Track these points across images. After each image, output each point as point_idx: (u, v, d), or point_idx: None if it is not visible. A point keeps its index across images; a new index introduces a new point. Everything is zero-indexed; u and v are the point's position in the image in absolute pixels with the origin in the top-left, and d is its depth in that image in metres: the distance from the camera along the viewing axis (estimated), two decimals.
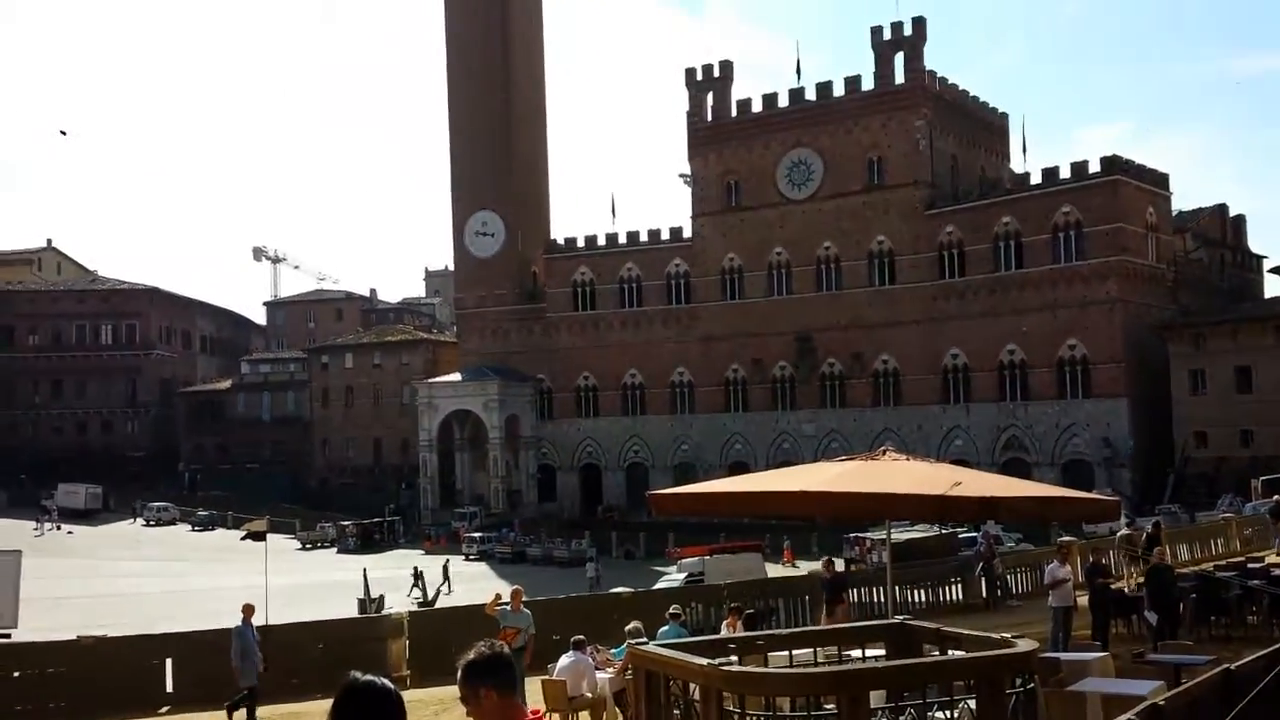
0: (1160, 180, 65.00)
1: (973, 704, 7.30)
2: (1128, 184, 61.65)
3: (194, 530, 79.61)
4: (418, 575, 46.00)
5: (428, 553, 65.03)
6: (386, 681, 3.56)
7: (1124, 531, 25.27)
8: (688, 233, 75.22)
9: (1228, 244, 77.02)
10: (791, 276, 70.83)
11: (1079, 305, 61.04)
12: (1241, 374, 58.91)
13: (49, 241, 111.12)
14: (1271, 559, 23.86)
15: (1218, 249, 75.32)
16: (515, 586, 16.23)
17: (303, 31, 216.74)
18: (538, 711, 4.08)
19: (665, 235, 76.20)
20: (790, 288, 70.90)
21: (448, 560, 54.22)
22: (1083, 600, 17.29)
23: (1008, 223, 63.68)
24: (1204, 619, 17.13)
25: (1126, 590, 19.08)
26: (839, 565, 26.97)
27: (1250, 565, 20.06)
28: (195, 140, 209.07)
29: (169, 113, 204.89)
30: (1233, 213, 79.96)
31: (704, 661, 7.52)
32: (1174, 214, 69.04)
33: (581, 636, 14.19)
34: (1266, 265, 75.80)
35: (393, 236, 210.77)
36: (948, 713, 7.38)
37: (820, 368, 69.57)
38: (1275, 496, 31.94)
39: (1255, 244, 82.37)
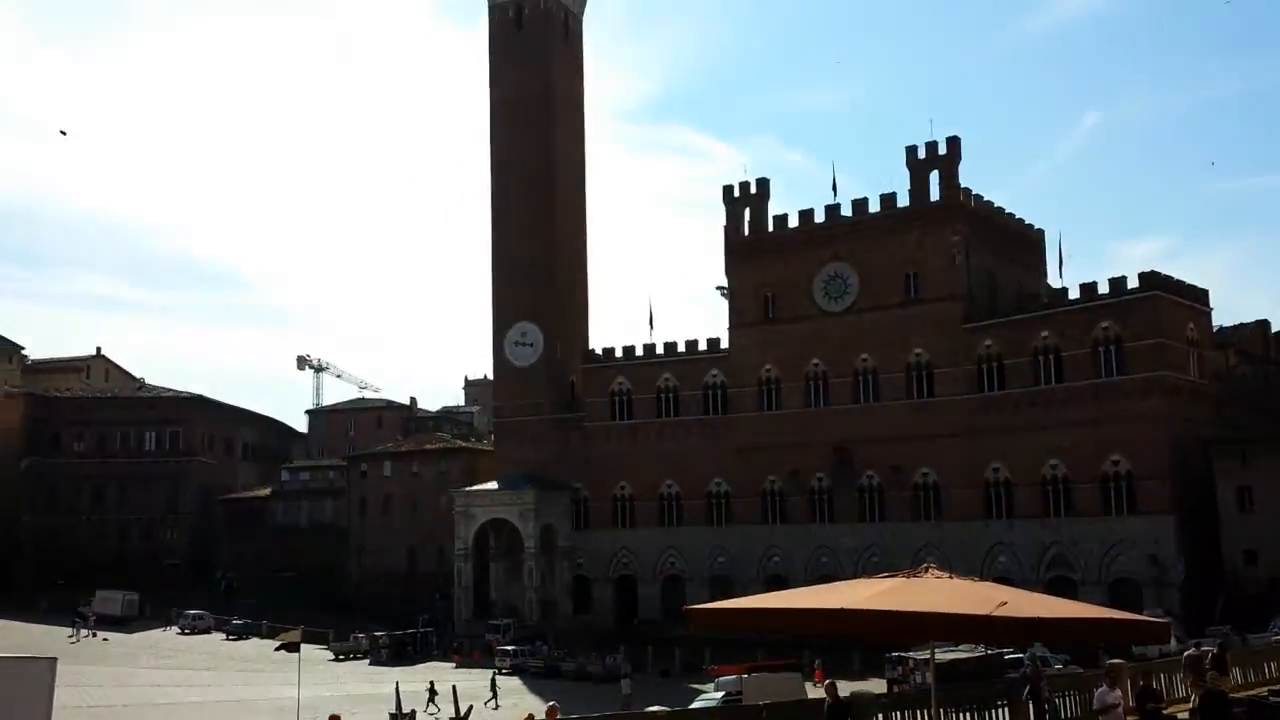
0: (1200, 296, 64.82)
1: None
2: (1167, 299, 61.49)
3: (228, 639, 79.13)
4: (432, 692, 45.61)
5: (458, 666, 64.20)
6: None
7: (1190, 652, 24.63)
8: (725, 344, 75.63)
9: (1271, 359, 76.24)
10: (829, 388, 70.79)
11: (1121, 420, 60.32)
12: None
13: (98, 350, 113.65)
14: None
15: (1261, 364, 74.57)
16: (550, 703, 16.05)
17: (352, 146, 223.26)
18: None
19: (703, 346, 76.64)
20: (828, 399, 70.81)
21: (494, 674, 53.71)
22: None
23: (1046, 337, 63.53)
24: None
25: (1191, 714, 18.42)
26: (872, 686, 26.35)
27: None
28: (243, 251, 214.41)
29: (218, 225, 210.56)
30: (1275, 328, 79.28)
31: None
32: (1215, 329, 68.64)
33: None
34: None
35: (434, 346, 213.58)
36: None
37: (859, 480, 68.97)
38: None
39: None
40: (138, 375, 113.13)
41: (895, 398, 68.35)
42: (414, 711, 38.83)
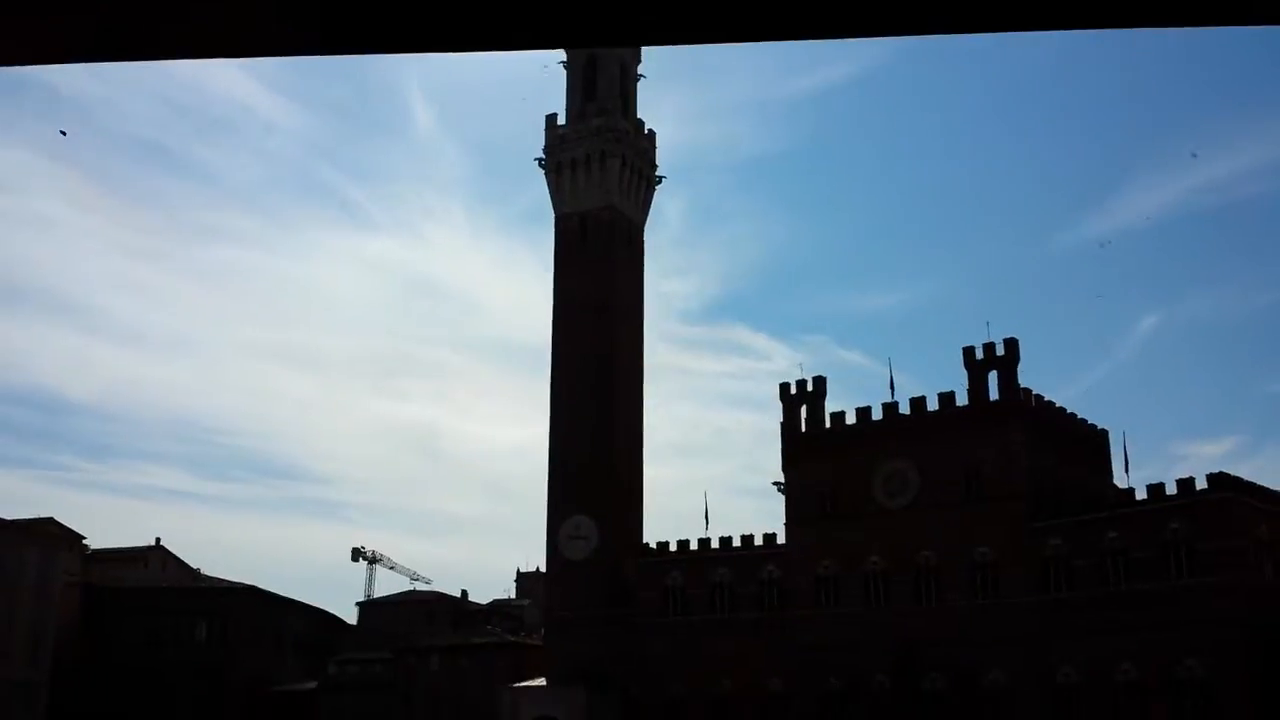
0: (1271, 496, 63.52)
1: None
2: (1237, 500, 60.32)
3: None
4: None
5: None
6: None
7: None
8: (781, 539, 74.77)
9: None
10: (890, 585, 69.34)
11: (1194, 624, 58.27)
12: None
13: (157, 540, 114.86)
14: None
15: None
16: None
17: (414, 344, 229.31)
18: None
19: (759, 541, 75.80)
20: (888, 597, 69.26)
21: None
22: None
23: (1114, 538, 62.21)
24: None
25: None
26: None
27: None
28: (303, 446, 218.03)
29: (283, 424, 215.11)
30: None
31: None
32: None
33: None
34: None
35: (487, 538, 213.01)
36: None
37: (922, 683, 66.55)
38: None
39: None
40: (194, 565, 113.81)
41: (958, 597, 66.73)
42: None
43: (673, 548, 78.95)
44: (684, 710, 75.07)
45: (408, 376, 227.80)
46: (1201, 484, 60.87)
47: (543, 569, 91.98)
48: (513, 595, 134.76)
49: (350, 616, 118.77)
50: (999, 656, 64.16)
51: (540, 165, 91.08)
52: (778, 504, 77.38)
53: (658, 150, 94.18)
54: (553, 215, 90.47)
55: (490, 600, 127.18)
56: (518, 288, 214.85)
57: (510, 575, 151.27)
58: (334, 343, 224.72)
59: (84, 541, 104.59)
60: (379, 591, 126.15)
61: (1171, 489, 61.78)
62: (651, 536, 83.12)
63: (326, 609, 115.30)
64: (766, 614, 73.64)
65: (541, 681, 78.93)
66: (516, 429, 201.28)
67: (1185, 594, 59.28)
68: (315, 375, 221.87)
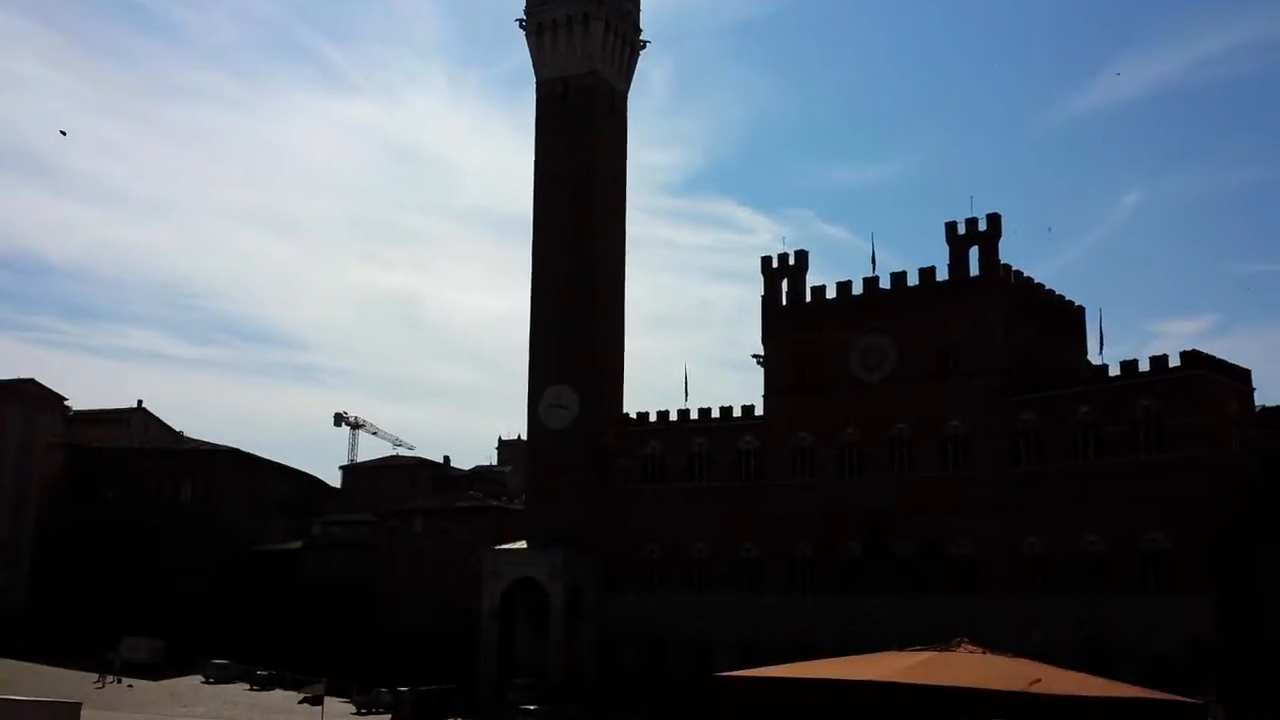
0: (1242, 375, 64.18)
1: None
2: (1209, 378, 60.92)
3: (252, 689, 79.01)
4: None
5: None
6: None
7: None
8: (760, 411, 75.53)
9: None
10: (864, 457, 70.43)
11: (1161, 498, 59.55)
12: None
13: (139, 402, 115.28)
14: None
15: None
16: None
17: (395, 209, 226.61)
18: None
19: (737, 413, 76.54)
20: (862, 469, 70.42)
21: None
22: None
23: (1086, 413, 63.01)
24: None
25: None
26: None
27: None
28: (285, 311, 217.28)
29: (264, 286, 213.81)
30: None
31: None
32: (1258, 409, 67.75)
33: None
34: None
35: (469, 406, 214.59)
36: None
37: (892, 551, 68.25)
38: None
39: None
40: (177, 428, 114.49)
41: (930, 469, 67.87)
42: None
43: (652, 418, 79.74)
44: (660, 573, 76.97)
45: (388, 243, 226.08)
46: (1175, 362, 61.37)
47: (524, 437, 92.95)
48: (494, 462, 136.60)
49: (334, 480, 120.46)
50: (967, 526, 65.64)
51: (521, 26, 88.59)
52: (757, 377, 78.04)
53: (641, 12, 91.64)
54: (534, 80, 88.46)
55: (472, 466, 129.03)
56: (499, 155, 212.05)
57: (492, 443, 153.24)
58: (313, 207, 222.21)
59: (65, 403, 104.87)
60: (361, 457, 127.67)
61: (1145, 366, 62.29)
62: (632, 407, 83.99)
63: (310, 473, 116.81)
64: (743, 483, 74.89)
65: (522, 544, 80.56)
66: (498, 298, 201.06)
67: (1153, 469, 60.31)
68: (294, 240, 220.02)
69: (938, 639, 12.58)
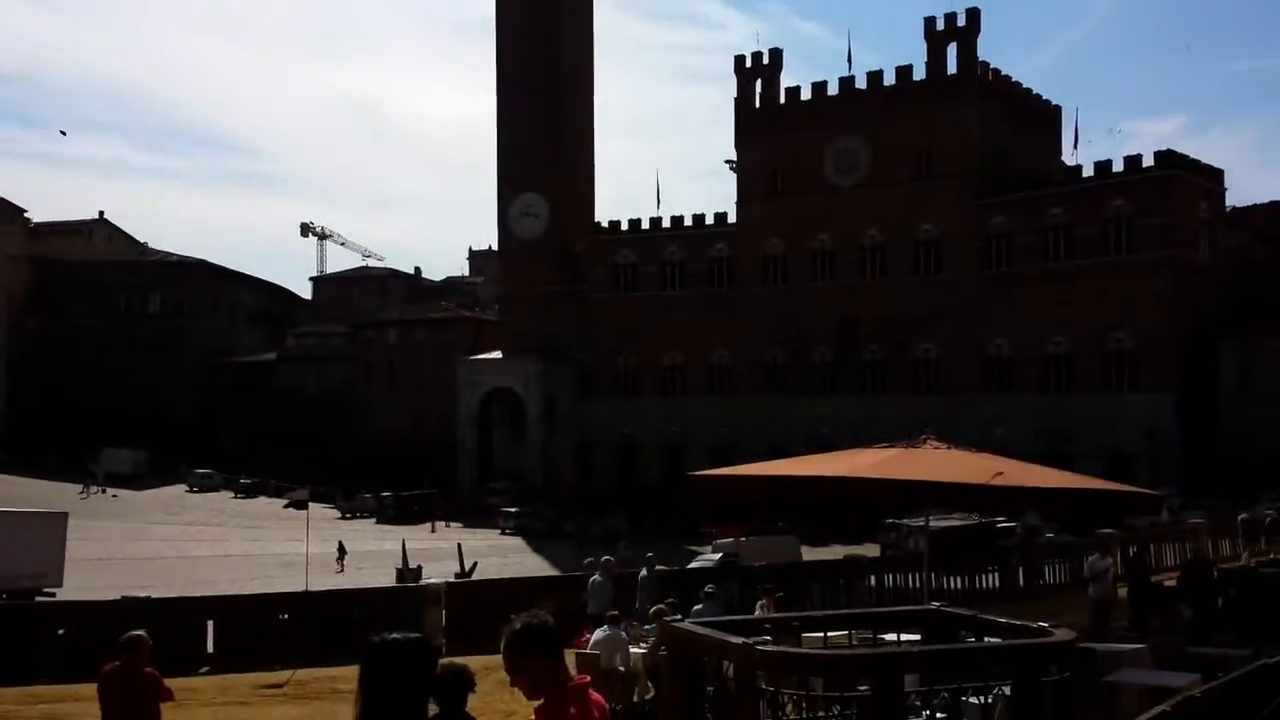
0: (1215, 175, 63.98)
1: (1007, 690, 7.26)
2: (1182, 178, 60.71)
3: (236, 497, 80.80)
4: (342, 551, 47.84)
5: (434, 530, 65.05)
6: (413, 635, 3.66)
7: (1243, 516, 28.60)
8: (732, 218, 75.00)
9: None
10: (835, 263, 70.51)
11: (1128, 298, 60.22)
12: None
13: (100, 213, 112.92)
14: None
15: (1273, 245, 73.83)
16: (606, 557, 17.13)
17: (358, 11, 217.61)
18: (584, 677, 4.12)
19: (709, 220, 76.03)
20: (834, 274, 70.60)
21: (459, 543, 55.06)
22: (1121, 594, 17.15)
23: (1057, 214, 62.96)
24: (1244, 615, 16.91)
25: (1248, 562, 20.16)
26: (866, 551, 26.77)
27: None
28: (247, 117, 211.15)
29: (223, 91, 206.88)
30: None
31: (739, 640, 7.51)
32: (1229, 209, 67.93)
33: (616, 612, 14.27)
34: None
35: (438, 216, 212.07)
36: (982, 698, 7.34)
37: (861, 354, 69.24)
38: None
39: None
40: (140, 240, 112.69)
41: (901, 274, 68.13)
42: (420, 567, 39.78)
43: (624, 226, 79.14)
44: (633, 380, 78.03)
45: (345, 42, 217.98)
46: (1149, 162, 61.02)
47: (495, 247, 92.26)
48: (466, 273, 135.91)
49: (304, 292, 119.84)
50: (935, 330, 66.40)
51: None
52: (729, 185, 77.18)
53: None
54: None
55: (444, 277, 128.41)
56: None
57: (462, 253, 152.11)
58: (264, 5, 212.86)
59: (25, 215, 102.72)
60: (330, 269, 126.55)
61: (1119, 167, 61.93)
62: (603, 215, 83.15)
63: (280, 285, 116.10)
64: (715, 291, 75.10)
65: (497, 355, 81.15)
66: (463, 102, 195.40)
67: (1122, 270, 60.74)
68: (247, 40, 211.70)
69: (904, 439, 12.73)
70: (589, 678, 4.20)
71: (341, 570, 45.51)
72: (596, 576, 18.10)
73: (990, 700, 7.45)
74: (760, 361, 72.93)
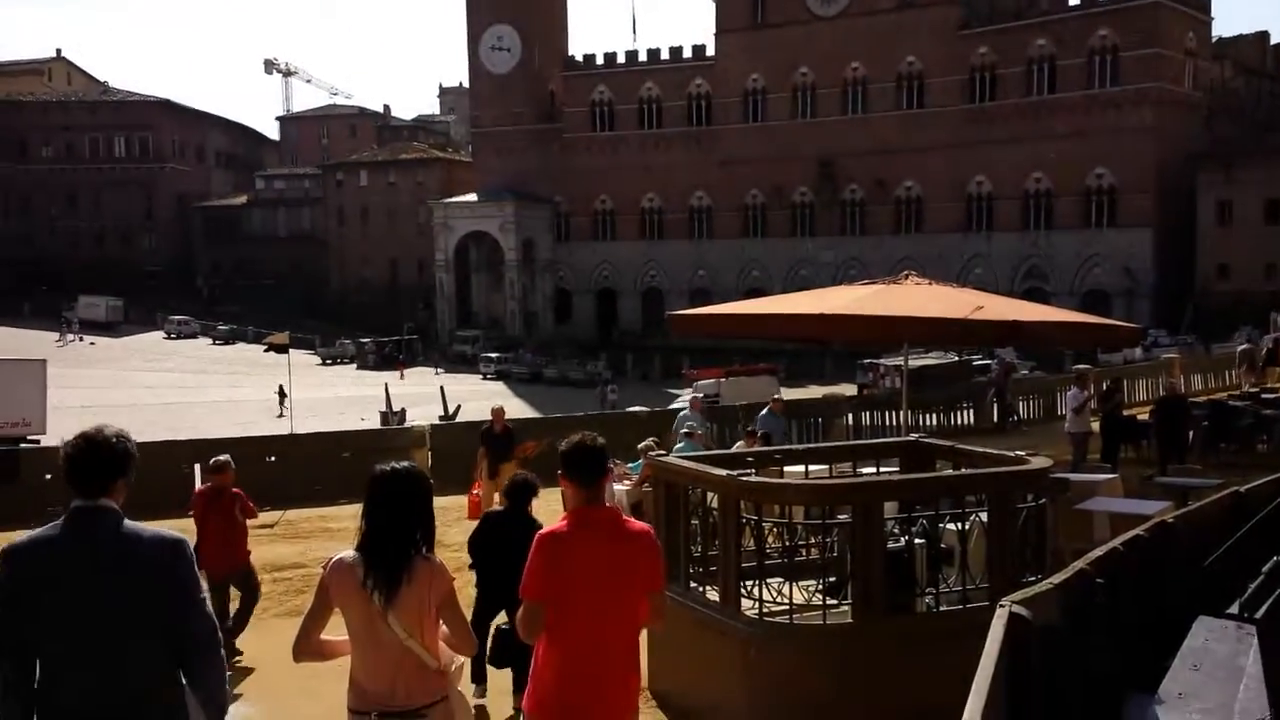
0: (1202, 4, 62.57)
1: (984, 517, 7.41)
2: (1167, 7, 59.36)
3: (214, 344, 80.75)
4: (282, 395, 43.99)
5: (403, 378, 63.47)
6: (413, 465, 3.93)
7: (1243, 346, 28.92)
8: (710, 51, 73.15)
9: (1267, 73, 74.51)
10: (816, 99, 69.23)
11: (1110, 133, 59.67)
12: (1270, 207, 58.05)
13: (58, 51, 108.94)
14: None
15: (1257, 77, 72.93)
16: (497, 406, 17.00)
17: None
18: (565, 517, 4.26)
19: (687, 54, 74.16)
20: (814, 110, 69.40)
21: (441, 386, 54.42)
22: (1095, 426, 17.47)
23: (1042, 45, 61.71)
24: (1214, 446, 17.32)
25: (1248, 388, 20.50)
26: (844, 390, 27.05)
27: (1265, 395, 20.17)
28: None
29: None
30: (1275, 40, 77.01)
31: (723, 472, 7.62)
32: (1214, 40, 66.72)
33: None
34: None
35: (406, 50, 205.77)
36: (959, 525, 7.49)
37: (842, 194, 68.72)
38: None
39: None
40: (101, 79, 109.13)
41: (884, 109, 67.04)
42: (404, 410, 40.13)
43: (599, 61, 77.13)
44: (612, 223, 77.41)
45: None
46: None
47: (466, 84, 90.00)
48: (437, 111, 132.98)
49: (271, 133, 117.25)
50: (916, 167, 65.79)
51: None
52: (708, 14, 74.96)
53: None
54: None
55: (414, 116, 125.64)
56: None
57: (433, 90, 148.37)
58: None
59: None
60: (296, 108, 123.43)
61: None
62: (578, 49, 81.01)
63: (247, 125, 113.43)
64: (693, 129, 73.83)
65: (472, 197, 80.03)
66: None
67: (1104, 103, 60.04)
68: None
69: (886, 277, 12.72)
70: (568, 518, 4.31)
71: (282, 415, 41.44)
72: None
73: (967, 527, 7.62)
74: (740, 203, 72.33)
